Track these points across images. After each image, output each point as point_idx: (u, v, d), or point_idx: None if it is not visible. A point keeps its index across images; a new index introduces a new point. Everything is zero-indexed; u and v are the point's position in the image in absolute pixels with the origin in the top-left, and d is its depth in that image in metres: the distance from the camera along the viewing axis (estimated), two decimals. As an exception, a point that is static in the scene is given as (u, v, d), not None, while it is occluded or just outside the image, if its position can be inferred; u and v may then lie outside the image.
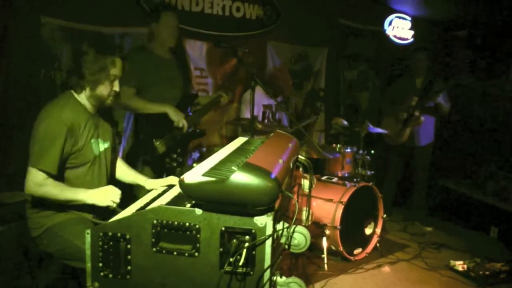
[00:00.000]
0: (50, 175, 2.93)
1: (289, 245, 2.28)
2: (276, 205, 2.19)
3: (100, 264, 2.29)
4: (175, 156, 4.56)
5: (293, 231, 2.27)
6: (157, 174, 4.33)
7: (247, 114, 5.29)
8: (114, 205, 3.00)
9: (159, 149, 4.41)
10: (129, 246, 2.25)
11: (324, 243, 4.91)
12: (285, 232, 2.25)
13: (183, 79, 4.83)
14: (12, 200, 4.01)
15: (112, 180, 3.46)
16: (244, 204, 2.09)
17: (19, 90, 4.77)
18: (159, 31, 4.57)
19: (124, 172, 3.63)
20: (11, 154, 4.71)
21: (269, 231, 2.12)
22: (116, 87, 3.20)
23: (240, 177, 2.05)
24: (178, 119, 4.46)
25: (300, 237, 2.28)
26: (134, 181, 3.60)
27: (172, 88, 4.64)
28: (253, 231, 2.13)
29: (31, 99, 4.75)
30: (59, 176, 3.02)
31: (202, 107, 4.82)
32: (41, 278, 3.61)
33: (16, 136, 4.69)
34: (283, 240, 2.26)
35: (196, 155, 6.18)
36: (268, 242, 2.13)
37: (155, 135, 4.46)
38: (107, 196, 3.03)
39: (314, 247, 5.02)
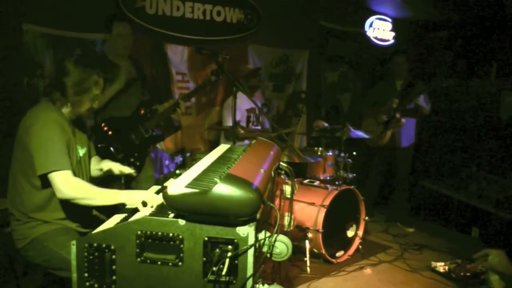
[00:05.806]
0: (72, 172, 2.94)
1: (271, 254, 2.33)
2: (258, 214, 2.24)
3: (86, 275, 2.32)
4: (132, 160, 4.63)
5: (275, 240, 2.31)
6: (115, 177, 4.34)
7: (229, 122, 5.31)
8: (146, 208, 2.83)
9: (117, 154, 4.48)
10: (114, 256, 2.28)
11: (307, 246, 4.96)
12: (267, 241, 2.30)
13: (140, 86, 4.84)
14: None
15: None
16: (226, 215, 2.13)
17: (2, 98, 4.76)
18: (112, 41, 4.63)
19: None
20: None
21: (251, 240, 2.17)
22: (96, 105, 3.22)
23: (222, 189, 2.09)
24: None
25: (281, 246, 2.32)
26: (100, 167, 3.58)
27: (127, 95, 4.67)
28: (236, 240, 2.18)
29: (14, 107, 4.73)
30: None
31: (159, 114, 4.83)
32: (27, 287, 3.62)
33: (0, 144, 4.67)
34: (265, 249, 2.30)
35: (179, 159, 6.22)
36: (250, 252, 2.18)
37: (112, 139, 4.53)
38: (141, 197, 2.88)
39: (296, 250, 5.05)
